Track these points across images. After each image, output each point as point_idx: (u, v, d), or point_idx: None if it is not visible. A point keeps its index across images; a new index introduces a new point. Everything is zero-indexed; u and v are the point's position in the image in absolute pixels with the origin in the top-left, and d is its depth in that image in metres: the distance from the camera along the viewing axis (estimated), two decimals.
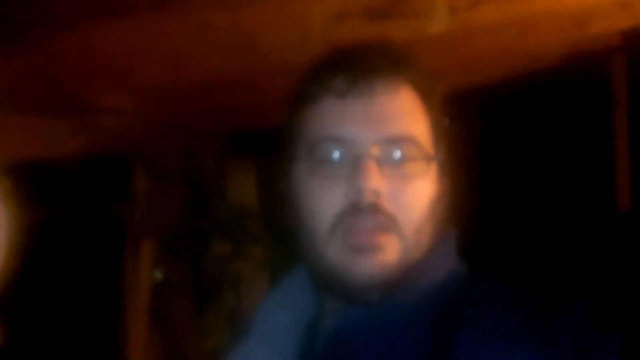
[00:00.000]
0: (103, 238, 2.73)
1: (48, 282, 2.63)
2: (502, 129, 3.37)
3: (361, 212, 0.64)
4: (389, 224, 0.65)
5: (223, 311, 3.29)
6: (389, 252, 0.65)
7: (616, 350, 0.56)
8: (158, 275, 3.09)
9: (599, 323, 0.58)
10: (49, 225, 2.43)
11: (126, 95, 1.91)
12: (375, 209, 0.64)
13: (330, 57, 0.73)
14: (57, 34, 1.53)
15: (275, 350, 0.72)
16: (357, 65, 0.69)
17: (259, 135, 3.06)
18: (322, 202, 0.66)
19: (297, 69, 2.09)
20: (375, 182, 0.64)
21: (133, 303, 2.97)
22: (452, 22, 1.93)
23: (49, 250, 2.50)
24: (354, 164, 0.65)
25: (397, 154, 0.67)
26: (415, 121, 0.69)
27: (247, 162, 3.45)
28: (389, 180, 0.66)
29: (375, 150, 0.66)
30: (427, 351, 0.61)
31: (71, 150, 2.27)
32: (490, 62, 2.42)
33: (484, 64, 2.41)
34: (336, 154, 0.67)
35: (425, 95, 0.71)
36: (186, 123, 2.32)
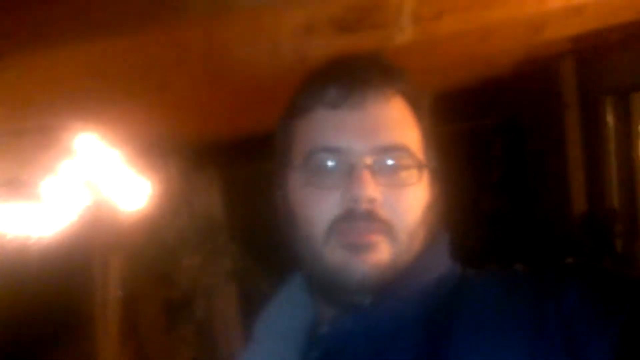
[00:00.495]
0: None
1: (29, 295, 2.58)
2: (459, 133, 3.47)
3: (356, 218, 0.67)
4: (384, 229, 0.67)
5: (193, 323, 3.27)
6: (382, 252, 0.67)
7: (606, 338, 0.56)
8: (121, 291, 3.05)
9: (591, 311, 0.58)
10: None
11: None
12: (370, 216, 0.66)
13: (323, 69, 0.75)
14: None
15: (278, 357, 0.73)
16: (349, 76, 0.71)
17: (223, 147, 3.07)
18: (318, 209, 0.68)
19: (267, 81, 2.11)
20: (370, 190, 0.66)
21: (103, 318, 2.92)
22: (416, 32, 1.99)
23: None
24: (349, 173, 0.67)
25: (390, 162, 0.70)
26: (406, 130, 0.72)
27: (212, 174, 3.45)
28: (383, 188, 0.68)
29: (369, 160, 0.68)
30: (421, 351, 0.62)
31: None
32: (453, 68, 2.49)
33: (447, 71, 2.48)
34: (331, 164, 0.69)
35: (415, 105, 0.74)
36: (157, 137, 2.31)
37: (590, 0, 2.26)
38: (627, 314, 0.55)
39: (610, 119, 3.09)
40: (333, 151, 0.69)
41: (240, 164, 3.20)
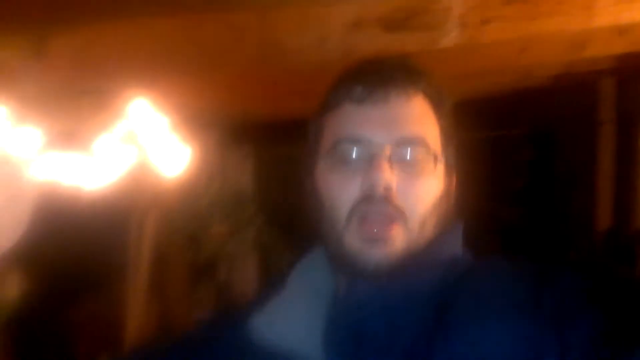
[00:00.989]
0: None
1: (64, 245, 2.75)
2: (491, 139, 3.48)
3: (373, 202, 0.73)
4: (397, 215, 0.73)
5: (215, 286, 3.42)
6: (396, 243, 0.74)
7: (594, 324, 0.60)
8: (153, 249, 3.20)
9: (583, 296, 0.63)
10: None
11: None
12: (386, 200, 0.73)
13: (352, 69, 0.81)
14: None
15: (306, 307, 0.79)
16: (374, 75, 0.77)
17: (261, 126, 3.18)
18: (341, 193, 0.75)
19: (314, 70, 2.21)
20: (387, 177, 0.72)
21: (134, 272, 3.08)
22: (461, 37, 2.05)
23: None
24: (369, 161, 0.74)
25: (408, 153, 0.74)
26: (425, 125, 0.77)
27: (247, 150, 3.57)
28: (399, 177, 0.73)
29: (388, 150, 0.73)
30: (427, 325, 0.67)
31: None
32: (492, 75, 2.54)
33: (487, 77, 2.53)
34: (354, 153, 0.75)
35: (436, 103, 0.79)
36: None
37: (637, 20, 2.27)
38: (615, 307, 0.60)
39: None
40: (356, 141, 0.75)
41: (274, 144, 3.31)
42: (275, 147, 3.32)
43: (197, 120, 2.82)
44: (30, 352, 2.92)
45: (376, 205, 0.73)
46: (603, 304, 0.61)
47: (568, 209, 3.56)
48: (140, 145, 2.46)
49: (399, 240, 0.74)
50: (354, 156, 0.75)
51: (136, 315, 3.09)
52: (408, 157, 0.74)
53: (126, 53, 1.91)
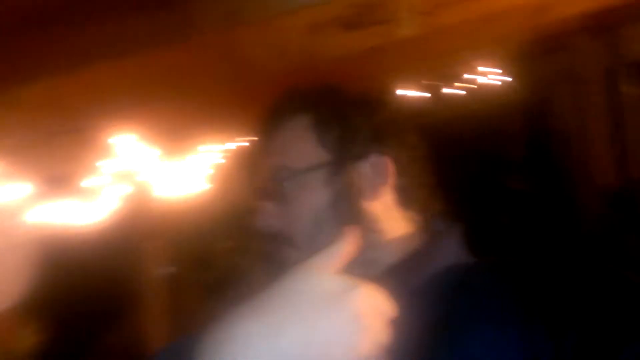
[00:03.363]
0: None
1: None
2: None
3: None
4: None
5: (227, 303, 3.44)
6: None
7: (585, 330, 0.61)
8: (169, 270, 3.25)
9: (575, 302, 0.64)
10: None
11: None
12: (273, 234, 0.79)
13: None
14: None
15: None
16: (270, 115, 0.81)
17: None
18: None
19: (278, 79, 2.24)
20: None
21: (149, 295, 3.12)
22: (418, 25, 2.07)
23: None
24: None
25: (275, 182, 0.78)
26: (291, 149, 0.78)
27: (244, 164, 3.59)
28: (277, 208, 0.78)
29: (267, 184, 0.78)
30: (423, 338, 0.66)
31: None
32: (464, 54, 2.55)
33: (453, 61, 2.54)
34: None
35: (322, 120, 0.79)
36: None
37: None
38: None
39: (629, 89, 3.09)
40: None
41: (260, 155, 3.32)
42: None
43: (186, 143, 2.87)
44: None
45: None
46: (595, 308, 0.63)
47: (569, 170, 3.53)
48: (131, 176, 2.51)
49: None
50: None
51: (156, 340, 3.15)
52: (277, 185, 0.77)
53: (103, 91, 1.97)
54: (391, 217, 0.76)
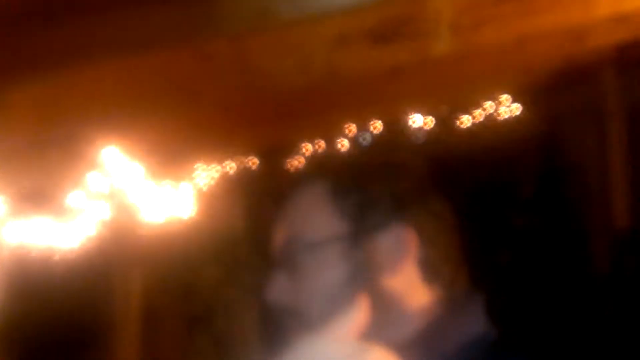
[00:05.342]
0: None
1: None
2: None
3: None
4: None
5: (212, 336, 3.24)
6: None
7: None
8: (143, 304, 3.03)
9: None
10: None
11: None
12: None
13: None
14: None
15: None
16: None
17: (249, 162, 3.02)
18: None
19: (297, 94, 2.03)
20: None
21: (124, 330, 2.92)
22: (455, 42, 1.90)
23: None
24: None
25: None
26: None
27: (235, 189, 3.42)
28: None
29: None
30: None
31: None
32: (492, 78, 2.41)
33: (486, 81, 2.39)
34: None
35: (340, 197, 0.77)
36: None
37: (638, 6, 2.15)
38: None
39: None
40: None
41: (262, 180, 3.17)
42: (264, 182, 3.16)
43: (178, 161, 2.66)
44: None
45: None
46: None
47: (584, 209, 3.44)
48: (116, 195, 2.28)
49: None
50: None
51: None
52: None
53: (94, 98, 1.75)
54: (414, 293, 0.73)
